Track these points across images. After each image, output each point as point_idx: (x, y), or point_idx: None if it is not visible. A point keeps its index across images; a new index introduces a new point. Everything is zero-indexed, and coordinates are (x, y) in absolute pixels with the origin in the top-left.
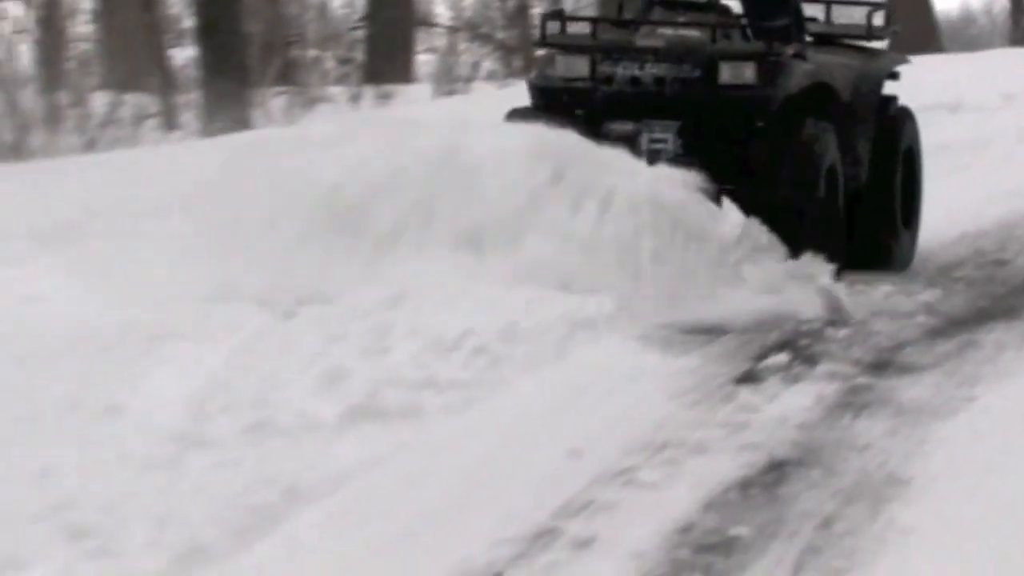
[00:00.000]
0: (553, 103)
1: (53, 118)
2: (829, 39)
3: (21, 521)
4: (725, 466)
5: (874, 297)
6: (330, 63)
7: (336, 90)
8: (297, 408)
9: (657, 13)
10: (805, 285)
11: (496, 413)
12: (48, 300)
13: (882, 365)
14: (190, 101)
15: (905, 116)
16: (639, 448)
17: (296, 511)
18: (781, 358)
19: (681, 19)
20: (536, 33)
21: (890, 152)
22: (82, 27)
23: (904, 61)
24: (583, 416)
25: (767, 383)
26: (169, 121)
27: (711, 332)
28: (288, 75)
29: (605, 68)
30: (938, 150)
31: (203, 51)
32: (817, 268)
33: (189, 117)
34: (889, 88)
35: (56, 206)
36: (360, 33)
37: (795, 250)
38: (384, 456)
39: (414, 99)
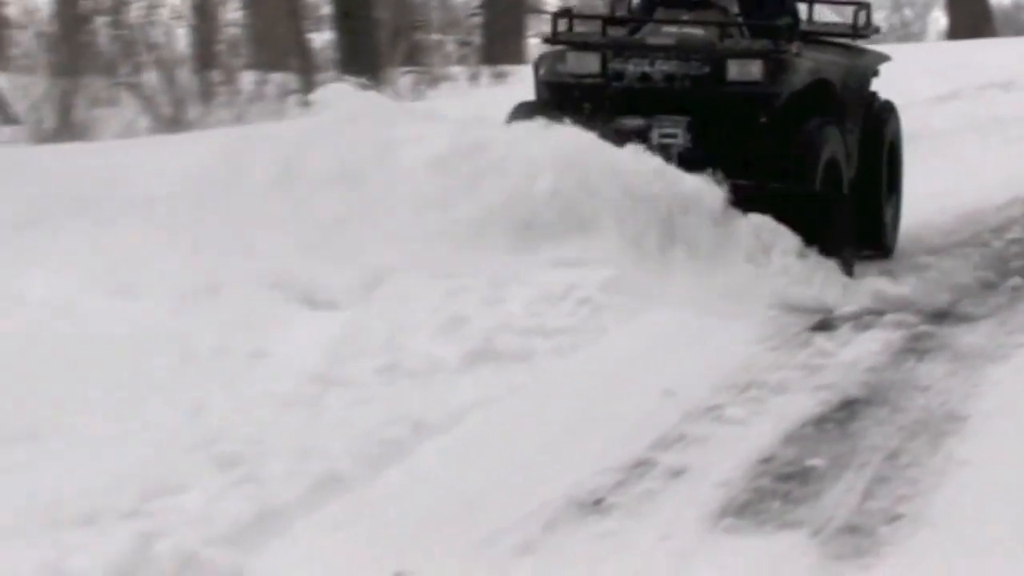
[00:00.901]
0: (563, 98)
1: (207, 94)
2: (816, 38)
3: (178, 452)
4: (803, 404)
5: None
6: (451, 46)
7: (456, 70)
8: (423, 352)
9: (660, 12)
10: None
11: (598, 356)
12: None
13: (941, 315)
14: (327, 79)
15: (889, 111)
16: (726, 387)
17: (422, 444)
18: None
19: (685, 17)
20: None
21: (876, 145)
22: (232, 13)
23: (886, 59)
24: (675, 359)
25: (840, 331)
26: (309, 97)
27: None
28: (414, 56)
29: (616, 65)
30: (993, 124)
31: (339, 35)
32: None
33: None
34: (948, 71)
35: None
36: (478, 19)
37: (809, 241)
38: (499, 395)
39: (521, 79)
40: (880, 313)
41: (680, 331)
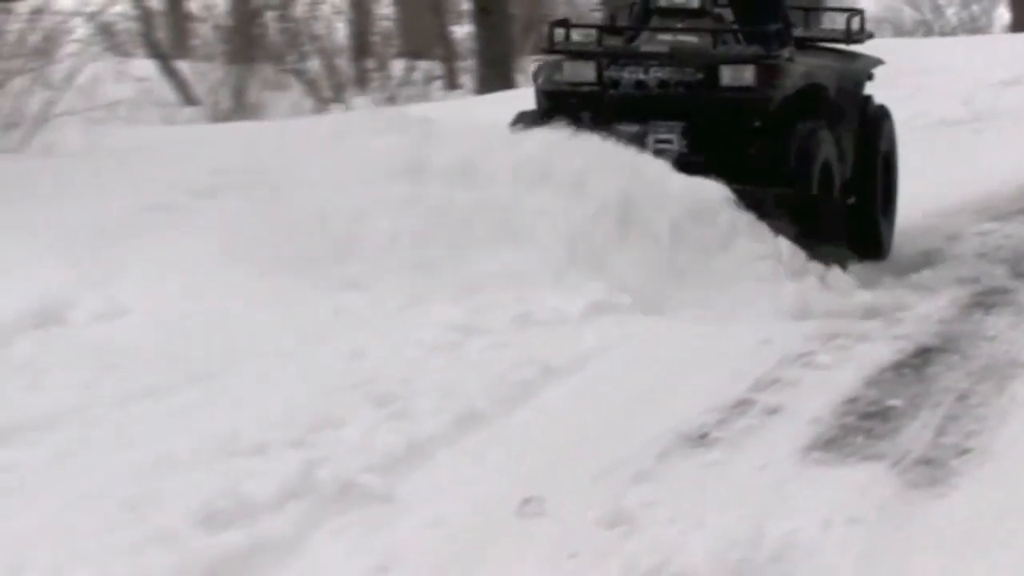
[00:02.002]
0: (561, 106)
1: (362, 79)
2: (810, 43)
3: (338, 391)
4: (883, 352)
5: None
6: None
7: None
8: (551, 305)
9: (655, 21)
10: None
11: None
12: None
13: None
14: (467, 66)
15: (883, 114)
16: (815, 337)
17: (549, 385)
18: (926, 273)
19: (679, 25)
20: None
21: (871, 148)
22: (384, 8)
23: (880, 63)
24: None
25: (914, 291)
26: (451, 82)
27: None
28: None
29: (612, 73)
30: None
31: (478, 28)
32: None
33: (467, 79)
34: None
35: None
36: (598, 15)
37: (805, 243)
38: (617, 343)
39: None
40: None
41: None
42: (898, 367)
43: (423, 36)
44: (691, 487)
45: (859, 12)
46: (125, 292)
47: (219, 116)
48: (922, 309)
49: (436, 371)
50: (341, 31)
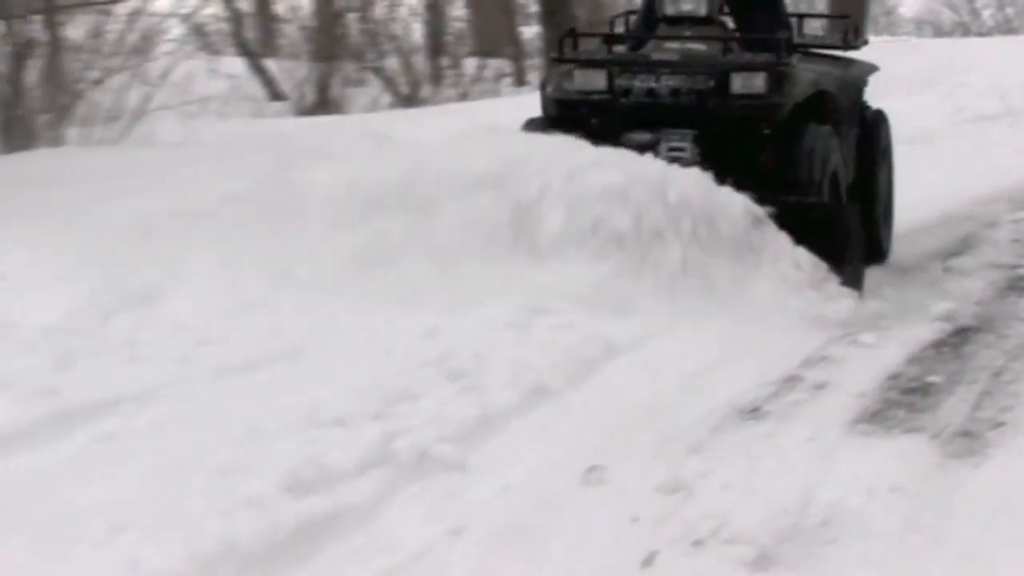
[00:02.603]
0: (571, 115)
1: (437, 76)
2: (808, 50)
3: (414, 367)
4: (923, 331)
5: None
6: None
7: None
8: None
9: (662, 29)
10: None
11: (756, 292)
12: None
13: None
14: (535, 64)
15: (881, 119)
16: (860, 319)
17: (611, 361)
18: (965, 259)
19: (687, 33)
20: None
21: (871, 153)
22: (458, 10)
23: (875, 69)
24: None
25: (953, 273)
26: (519, 79)
27: None
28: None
29: (623, 81)
30: None
31: (545, 28)
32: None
33: (534, 76)
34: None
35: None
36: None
37: (820, 253)
38: (674, 326)
39: None
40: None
41: None
42: (937, 345)
43: (494, 36)
44: (744, 457)
45: (852, 19)
46: (217, 272)
47: (304, 110)
48: (958, 290)
49: (506, 348)
50: (417, 31)
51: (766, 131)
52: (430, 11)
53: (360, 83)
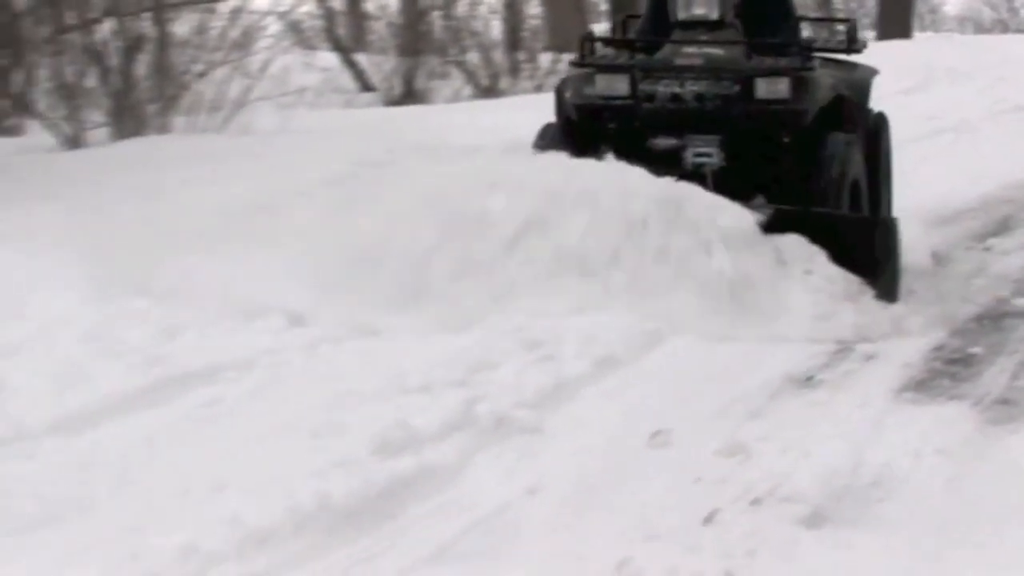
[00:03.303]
0: (593, 121)
1: (514, 70)
2: (814, 54)
3: (494, 337)
4: (965, 306)
5: None
6: None
7: None
8: None
9: (677, 33)
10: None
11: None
12: None
13: None
14: None
15: (883, 123)
16: (904, 293)
17: (675, 336)
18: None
19: (703, 37)
20: None
21: (875, 156)
22: (534, 9)
23: (876, 73)
24: None
25: (992, 251)
26: None
27: None
28: None
29: (646, 86)
30: None
31: (613, 25)
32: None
33: None
34: None
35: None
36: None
37: (853, 266)
38: None
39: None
40: None
41: None
42: (979, 319)
43: (566, 32)
44: (799, 422)
45: (852, 22)
46: (305, 252)
47: (391, 101)
48: (998, 269)
49: (578, 323)
50: (496, 28)
51: (786, 139)
52: (508, 9)
53: (443, 75)
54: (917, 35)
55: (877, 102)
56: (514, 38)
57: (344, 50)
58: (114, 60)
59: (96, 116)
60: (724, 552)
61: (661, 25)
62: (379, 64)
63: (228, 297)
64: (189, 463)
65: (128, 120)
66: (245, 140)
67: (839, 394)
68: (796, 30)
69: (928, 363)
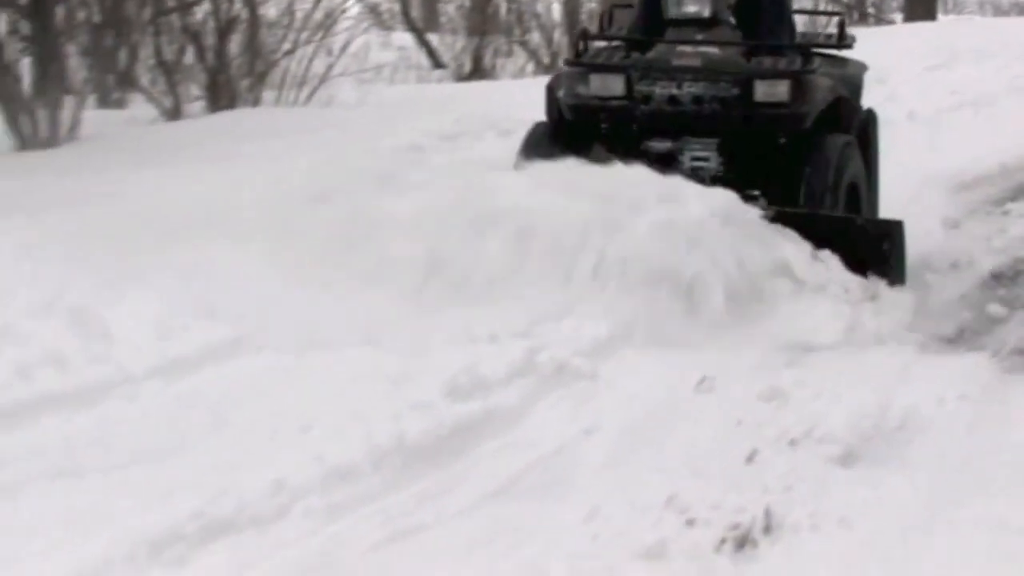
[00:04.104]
0: (586, 121)
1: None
2: (807, 50)
3: (553, 292)
4: (985, 264)
5: None
6: None
7: None
8: None
9: (671, 32)
10: None
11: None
12: None
13: None
14: None
15: (872, 120)
16: (933, 251)
17: None
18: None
19: (698, 36)
20: None
21: (866, 154)
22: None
23: (866, 69)
24: None
25: (1010, 215)
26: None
27: None
28: None
29: (643, 87)
30: None
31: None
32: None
33: None
34: None
35: None
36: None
37: (858, 270)
38: None
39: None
40: None
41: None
42: (997, 276)
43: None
44: (832, 371)
45: (841, 15)
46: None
47: (461, 77)
48: (1016, 231)
49: None
50: (556, 10)
51: (782, 140)
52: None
53: (508, 54)
54: (941, 17)
55: (906, 79)
56: (572, 20)
57: (418, 30)
58: (210, 39)
59: (193, 90)
60: (763, 488)
61: (653, 22)
62: (449, 43)
63: None
64: (278, 407)
65: (222, 94)
66: (327, 112)
67: (870, 349)
68: (792, 28)
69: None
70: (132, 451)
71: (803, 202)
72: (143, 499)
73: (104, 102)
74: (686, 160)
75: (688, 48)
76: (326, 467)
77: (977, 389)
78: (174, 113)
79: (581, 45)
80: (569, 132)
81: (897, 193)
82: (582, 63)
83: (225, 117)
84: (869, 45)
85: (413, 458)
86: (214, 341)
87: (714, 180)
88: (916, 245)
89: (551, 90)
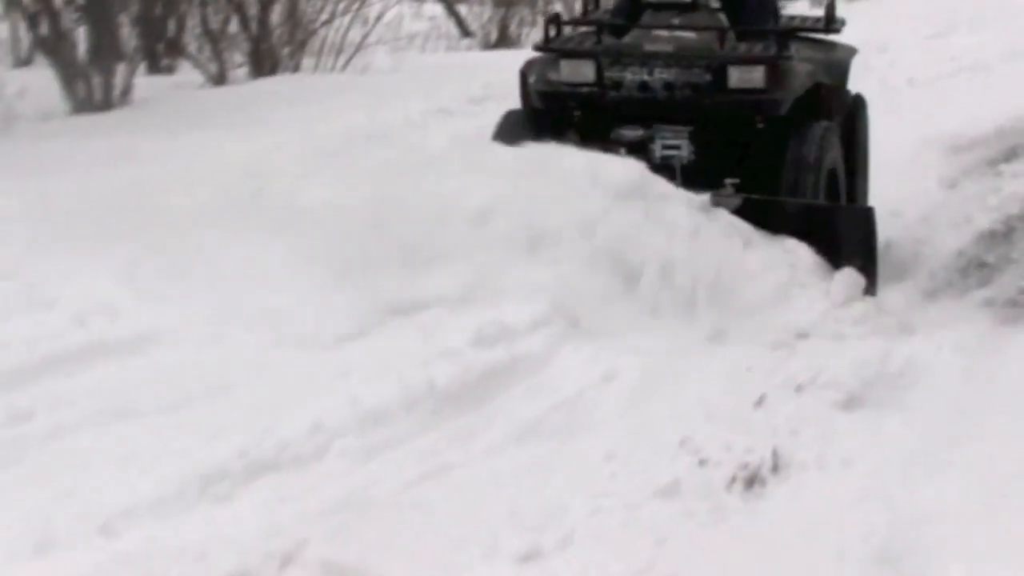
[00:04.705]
0: (556, 108)
1: None
2: (793, 34)
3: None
4: (981, 221)
5: None
6: None
7: None
8: None
9: (648, 16)
10: None
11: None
12: None
13: None
14: None
15: (861, 105)
16: (932, 208)
17: None
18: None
19: (675, 21)
20: None
21: (852, 141)
22: None
23: (855, 52)
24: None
25: (1003, 175)
26: None
27: None
28: None
29: (613, 73)
30: None
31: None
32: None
33: None
34: None
35: None
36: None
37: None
38: None
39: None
40: None
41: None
42: (992, 234)
43: None
44: (835, 319)
45: (832, 0)
46: None
47: (487, 46)
48: (1009, 190)
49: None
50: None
51: (760, 125)
52: None
53: (533, 24)
54: None
55: (907, 47)
56: None
57: (447, 1)
58: (253, 9)
59: (237, 57)
60: (772, 431)
61: (635, 5)
62: (477, 14)
63: None
64: (317, 355)
65: (264, 61)
66: (363, 78)
67: (877, 295)
68: (776, 11)
69: (949, 273)
70: (178, 396)
71: (781, 191)
72: (192, 439)
73: (154, 68)
74: (657, 149)
75: (664, 33)
76: (362, 410)
77: (973, 338)
78: (219, 79)
79: (552, 30)
80: (542, 120)
81: (897, 154)
82: (551, 48)
83: (267, 83)
84: (872, 16)
85: (443, 402)
86: None
87: (686, 169)
88: (915, 203)
89: (524, 76)
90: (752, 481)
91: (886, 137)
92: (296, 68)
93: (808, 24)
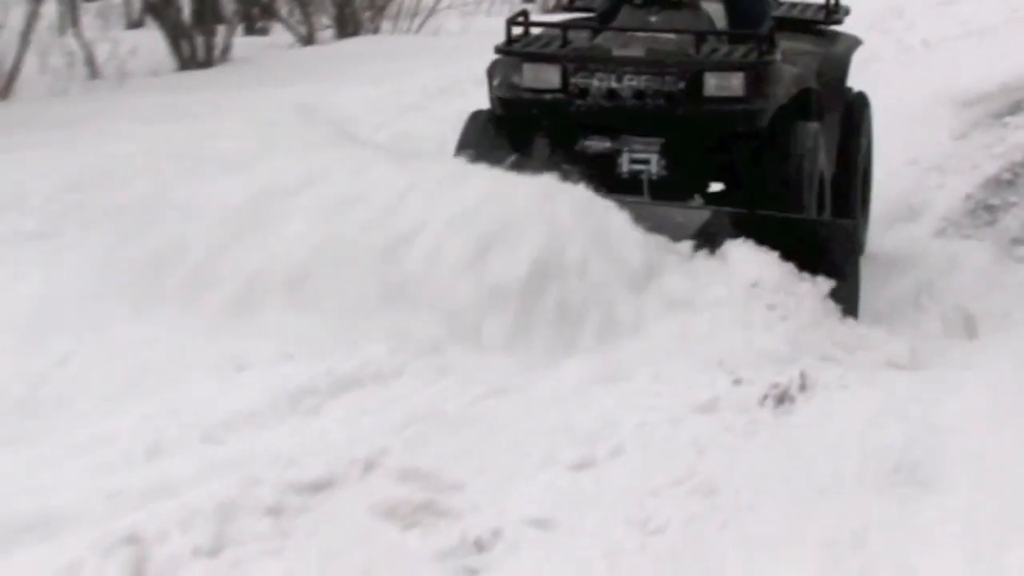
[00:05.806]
0: (519, 116)
1: None
2: (787, 23)
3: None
4: (987, 168)
5: None
6: None
7: None
8: None
9: (626, 12)
10: None
11: None
12: None
13: None
14: None
15: (863, 103)
16: (943, 157)
17: None
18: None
19: (652, 19)
20: None
21: (854, 141)
22: None
23: (859, 44)
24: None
25: (1008, 127)
26: None
27: None
28: None
29: (579, 80)
30: None
31: None
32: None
33: None
34: None
35: None
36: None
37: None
38: None
39: None
40: None
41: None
42: (997, 180)
43: None
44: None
45: None
46: None
47: (546, 10)
48: (1012, 139)
49: None
50: None
51: (739, 128)
52: None
53: None
54: None
55: (921, 12)
56: None
57: None
58: None
59: (324, 20)
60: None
61: (618, 1)
62: None
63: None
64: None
65: (348, 23)
66: (435, 39)
67: (890, 232)
68: (771, 6)
69: (958, 215)
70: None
71: (767, 202)
72: (290, 353)
73: (250, 30)
74: (624, 162)
75: (640, 34)
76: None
77: (981, 268)
78: (308, 39)
79: (514, 30)
80: (512, 125)
81: (912, 108)
82: (513, 52)
83: (350, 43)
84: None
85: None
86: None
87: (655, 185)
88: (928, 152)
89: (489, 77)
90: (782, 399)
91: (903, 93)
92: (376, 30)
93: (808, 15)
